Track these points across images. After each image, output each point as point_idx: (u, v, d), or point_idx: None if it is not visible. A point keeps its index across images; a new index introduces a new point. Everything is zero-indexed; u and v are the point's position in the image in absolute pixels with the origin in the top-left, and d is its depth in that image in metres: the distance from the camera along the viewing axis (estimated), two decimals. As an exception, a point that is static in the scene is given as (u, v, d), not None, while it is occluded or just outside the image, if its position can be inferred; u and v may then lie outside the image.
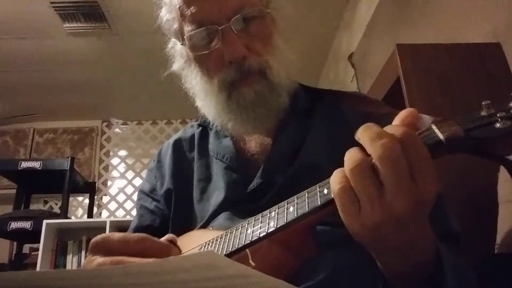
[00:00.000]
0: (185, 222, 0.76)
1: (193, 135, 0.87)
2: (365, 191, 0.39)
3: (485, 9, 1.42)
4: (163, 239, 0.59)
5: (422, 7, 1.86)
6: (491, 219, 0.93)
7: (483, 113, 0.39)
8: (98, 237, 0.52)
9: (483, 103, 0.40)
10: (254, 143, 0.78)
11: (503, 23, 1.31)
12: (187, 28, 0.73)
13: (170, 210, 0.80)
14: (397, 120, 0.42)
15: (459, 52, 1.32)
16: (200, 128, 0.87)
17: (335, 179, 0.41)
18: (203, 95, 0.77)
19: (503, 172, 0.95)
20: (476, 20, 1.46)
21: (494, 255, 0.89)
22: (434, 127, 0.41)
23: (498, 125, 0.38)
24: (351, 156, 0.40)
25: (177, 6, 0.74)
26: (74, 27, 3.02)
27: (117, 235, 0.52)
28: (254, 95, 0.71)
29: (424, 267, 0.45)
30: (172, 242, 0.59)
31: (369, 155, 0.40)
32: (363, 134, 0.40)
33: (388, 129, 0.40)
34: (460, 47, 1.35)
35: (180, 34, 0.77)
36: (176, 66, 0.81)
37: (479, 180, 1.07)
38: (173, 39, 0.81)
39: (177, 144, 0.87)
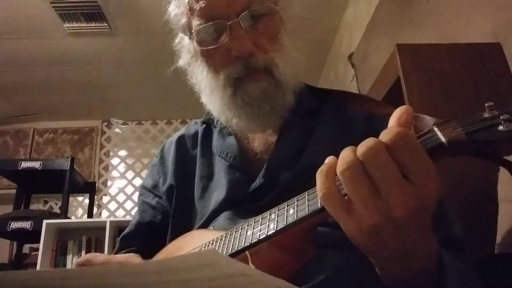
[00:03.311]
0: (185, 219, 0.76)
1: (196, 132, 0.87)
2: (356, 192, 0.39)
3: (485, 9, 1.42)
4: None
5: (422, 7, 1.86)
6: (491, 219, 0.93)
7: (486, 115, 0.39)
8: (82, 258, 0.51)
9: (486, 105, 0.39)
10: (258, 142, 0.77)
11: (503, 23, 1.31)
12: (196, 23, 0.72)
13: (172, 207, 0.80)
14: (392, 120, 0.42)
15: (459, 52, 1.32)
16: (204, 125, 0.87)
17: (318, 185, 0.42)
18: (208, 91, 0.76)
19: (503, 172, 0.95)
20: (476, 20, 1.46)
21: (494, 255, 0.89)
22: (436, 129, 0.40)
23: (501, 127, 0.37)
24: (342, 157, 0.41)
25: (186, 1, 0.74)
26: (74, 27, 3.02)
27: (101, 258, 0.51)
28: (259, 92, 0.70)
29: (426, 275, 0.45)
30: None
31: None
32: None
33: (383, 132, 0.40)
34: (460, 47, 1.34)
35: (188, 29, 0.76)
36: (182, 61, 0.81)
37: (479, 180, 1.07)
38: (180, 34, 0.80)
39: (180, 140, 0.87)
